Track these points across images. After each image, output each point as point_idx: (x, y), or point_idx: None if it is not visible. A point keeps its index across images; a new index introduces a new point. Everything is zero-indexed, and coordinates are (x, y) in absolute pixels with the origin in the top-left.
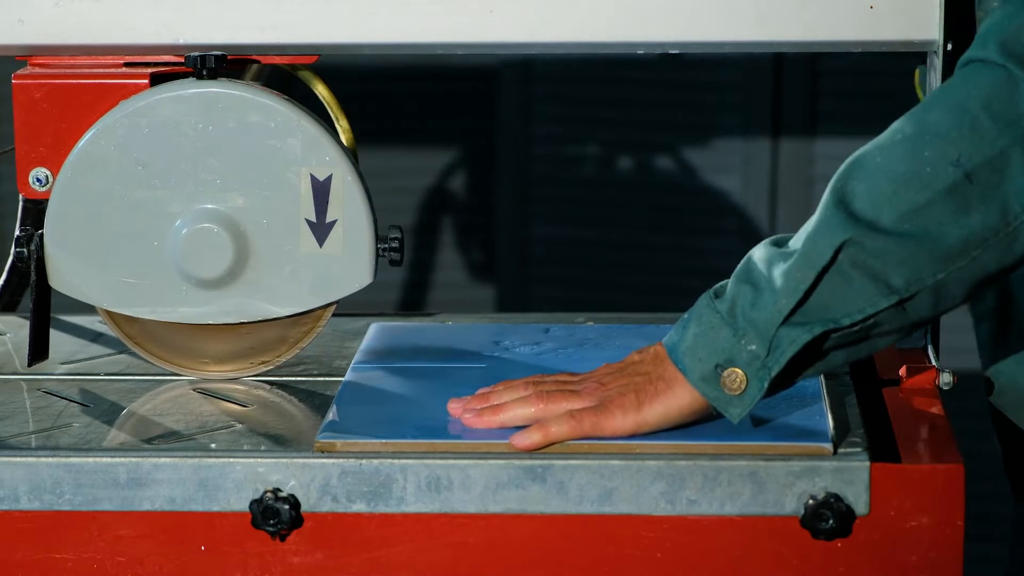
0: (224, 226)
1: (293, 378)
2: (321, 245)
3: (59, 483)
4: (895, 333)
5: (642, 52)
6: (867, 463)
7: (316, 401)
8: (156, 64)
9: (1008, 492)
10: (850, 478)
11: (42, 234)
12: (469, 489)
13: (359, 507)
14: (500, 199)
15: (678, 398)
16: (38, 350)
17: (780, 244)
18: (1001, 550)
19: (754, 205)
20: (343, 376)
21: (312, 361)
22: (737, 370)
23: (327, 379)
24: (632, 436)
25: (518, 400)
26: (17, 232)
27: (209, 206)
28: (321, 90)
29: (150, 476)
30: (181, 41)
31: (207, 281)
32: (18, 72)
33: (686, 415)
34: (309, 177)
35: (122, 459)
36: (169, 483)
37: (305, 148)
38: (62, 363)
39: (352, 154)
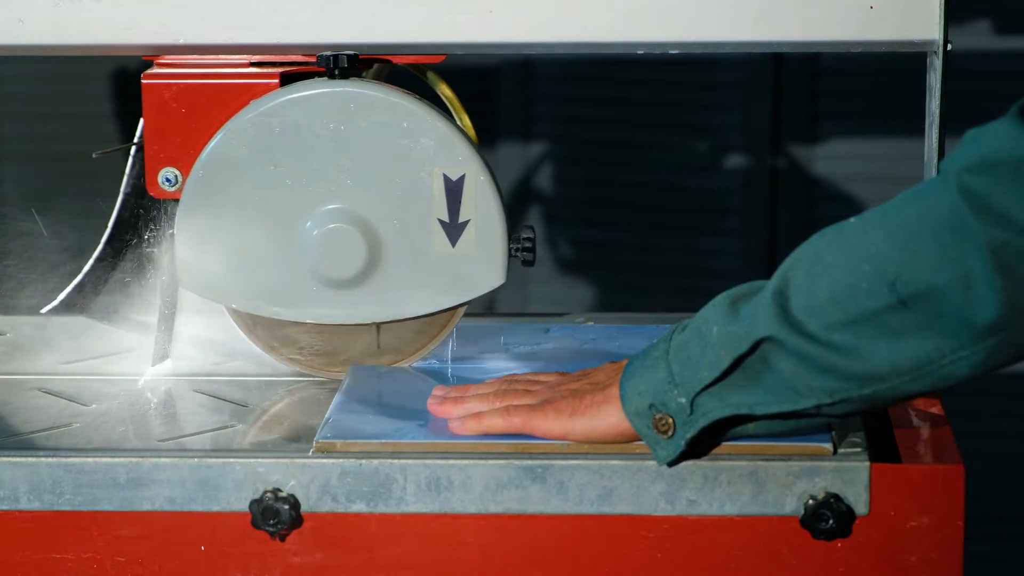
0: (356, 226)
1: (293, 378)
2: (454, 245)
3: (59, 483)
4: (836, 417)
5: (642, 52)
6: (867, 463)
7: (316, 401)
8: (285, 64)
9: (1008, 492)
10: (850, 478)
11: (172, 234)
12: (469, 489)
13: (359, 507)
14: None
15: (606, 416)
16: (162, 351)
17: (751, 294)
18: (1001, 550)
19: (754, 205)
20: (343, 376)
21: None
22: (668, 416)
23: (327, 379)
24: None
25: (477, 396)
26: (126, 232)
27: (341, 206)
28: (444, 90)
29: (150, 476)
30: (181, 41)
31: (339, 281)
32: (147, 72)
33: (613, 435)
34: (442, 177)
35: (122, 459)
36: (169, 483)
37: (438, 148)
38: (62, 363)
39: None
